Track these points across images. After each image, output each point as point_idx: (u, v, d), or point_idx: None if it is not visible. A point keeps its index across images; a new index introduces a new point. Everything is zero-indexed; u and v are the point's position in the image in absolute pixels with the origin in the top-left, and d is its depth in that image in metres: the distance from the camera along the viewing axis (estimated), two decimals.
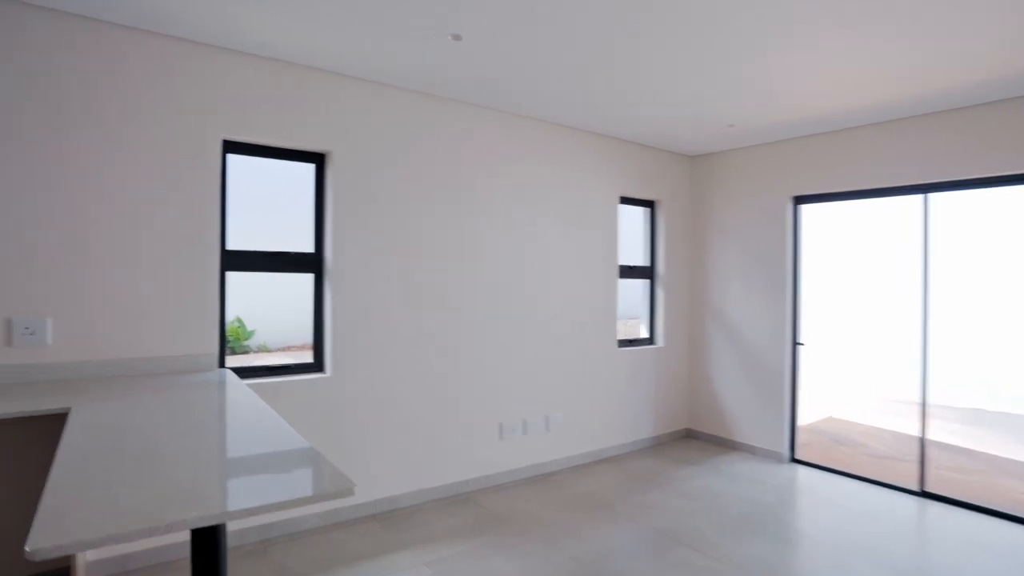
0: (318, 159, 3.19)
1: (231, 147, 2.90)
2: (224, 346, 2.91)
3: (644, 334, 4.90)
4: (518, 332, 3.90)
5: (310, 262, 3.19)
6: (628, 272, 4.68)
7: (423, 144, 3.45)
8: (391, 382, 3.35)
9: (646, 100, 3.52)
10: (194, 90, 2.73)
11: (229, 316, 2.97)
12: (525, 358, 3.95)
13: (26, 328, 2.37)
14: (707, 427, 4.90)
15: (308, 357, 3.22)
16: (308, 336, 3.23)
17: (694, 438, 4.98)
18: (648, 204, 4.87)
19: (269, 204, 3.17)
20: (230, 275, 2.93)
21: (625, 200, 4.64)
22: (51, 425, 2.36)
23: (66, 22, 2.43)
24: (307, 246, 3.19)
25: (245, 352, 3.24)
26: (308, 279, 3.20)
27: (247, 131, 2.88)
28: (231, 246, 2.93)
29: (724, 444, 4.74)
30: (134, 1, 2.31)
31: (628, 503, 3.53)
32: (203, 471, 1.31)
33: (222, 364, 2.89)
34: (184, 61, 2.70)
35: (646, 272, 4.87)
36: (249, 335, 3.28)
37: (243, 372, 2.94)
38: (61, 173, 2.44)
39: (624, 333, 4.69)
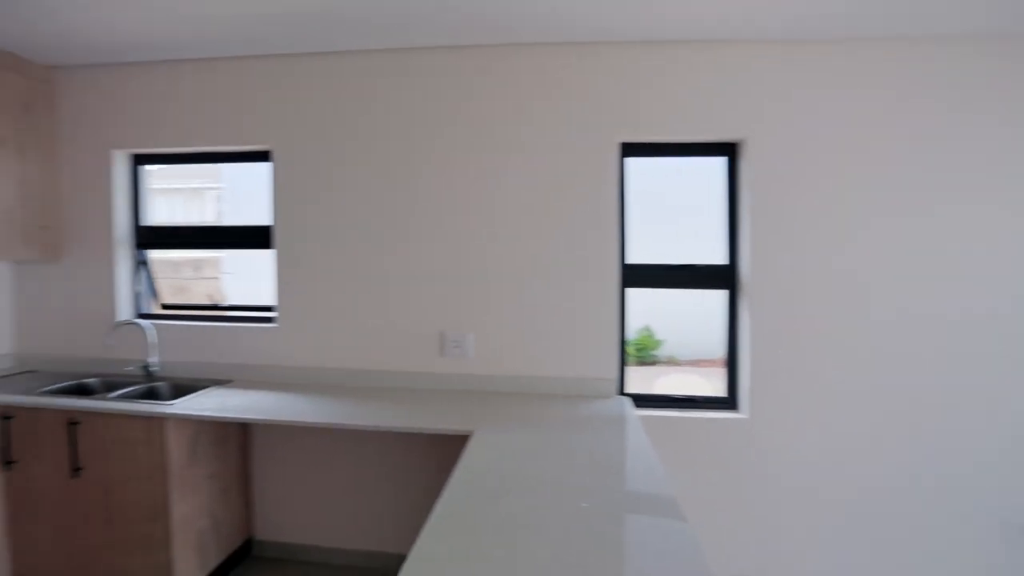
0: (729, 150, 2.60)
1: (628, 150, 2.60)
2: (624, 371, 2.63)
3: None
4: None
5: (722, 276, 2.62)
6: None
7: (868, 111, 2.43)
8: (829, 440, 2.47)
9: None
10: (587, 95, 2.52)
11: (637, 324, 2.73)
12: None
13: (454, 342, 2.60)
14: None
15: (721, 377, 2.66)
16: (722, 351, 2.67)
17: None
18: None
19: (671, 210, 2.76)
20: (630, 292, 2.63)
21: None
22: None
23: (461, 53, 2.56)
24: (718, 257, 2.64)
25: (652, 363, 2.92)
26: (720, 295, 2.64)
27: (646, 129, 2.51)
28: (631, 260, 2.63)
29: None
30: (527, 20, 2.23)
31: None
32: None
33: (621, 389, 2.62)
34: (572, 65, 2.52)
35: None
36: (657, 345, 2.94)
37: (642, 401, 2.60)
38: (476, 201, 2.58)
39: None
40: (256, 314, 2.86)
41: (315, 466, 2.72)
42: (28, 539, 2.34)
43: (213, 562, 2.48)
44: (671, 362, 2.95)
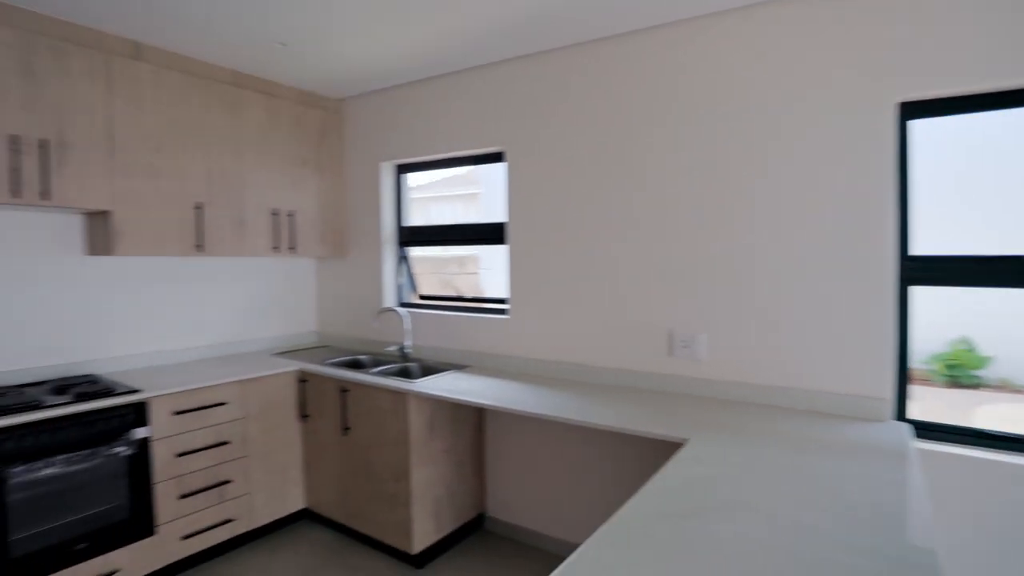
0: None
1: (911, 110, 2.01)
2: (905, 391, 2.06)
3: None
4: None
5: None
6: None
7: None
8: None
9: None
10: (849, 48, 2.01)
11: (950, 334, 2.18)
12: None
13: (683, 342, 2.38)
14: None
15: None
16: None
17: None
18: None
19: (983, 184, 2.05)
20: (916, 291, 2.05)
21: None
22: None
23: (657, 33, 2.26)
24: None
25: (974, 386, 2.24)
26: None
27: (937, 80, 1.90)
28: (916, 251, 2.04)
29: None
30: None
31: None
32: None
33: (900, 413, 2.06)
34: (826, 17, 2.03)
35: None
36: (982, 363, 2.24)
37: (933, 431, 2.00)
38: (708, 189, 2.30)
39: None
40: (493, 306, 3.05)
41: (540, 454, 2.77)
42: (317, 479, 2.89)
43: (447, 528, 2.71)
44: (1004, 386, 2.21)
